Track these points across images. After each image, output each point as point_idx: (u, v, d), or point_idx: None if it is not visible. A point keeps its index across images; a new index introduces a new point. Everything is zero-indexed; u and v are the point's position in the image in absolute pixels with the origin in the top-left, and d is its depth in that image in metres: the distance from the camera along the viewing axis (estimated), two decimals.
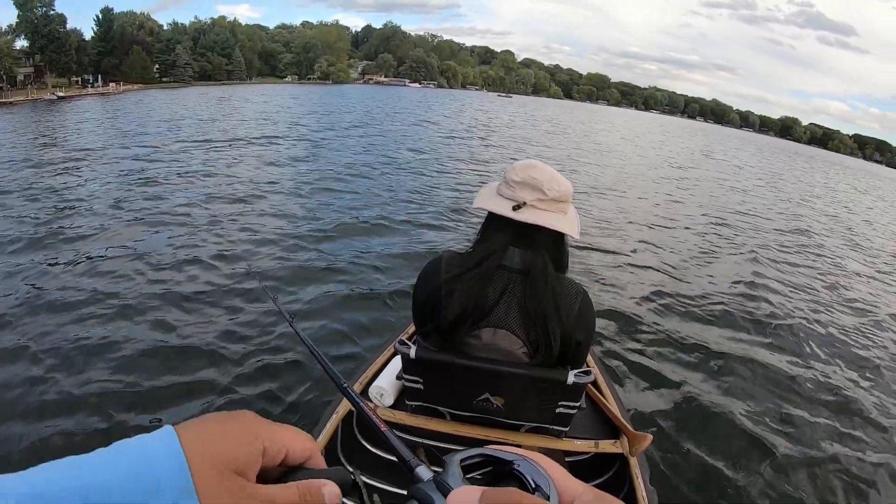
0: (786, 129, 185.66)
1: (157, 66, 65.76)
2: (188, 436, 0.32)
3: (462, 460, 0.36)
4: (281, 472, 0.39)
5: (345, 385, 0.53)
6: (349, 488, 0.39)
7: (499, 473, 0.36)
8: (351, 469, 0.40)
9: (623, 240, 7.66)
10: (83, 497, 0.27)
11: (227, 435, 0.34)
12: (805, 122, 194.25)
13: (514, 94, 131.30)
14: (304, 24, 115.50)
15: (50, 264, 4.90)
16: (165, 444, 0.31)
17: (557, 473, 0.35)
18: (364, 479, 0.39)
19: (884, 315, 6.05)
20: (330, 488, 0.38)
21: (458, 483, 0.34)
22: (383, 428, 0.42)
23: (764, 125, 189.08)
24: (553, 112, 60.33)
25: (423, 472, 0.37)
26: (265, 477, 0.37)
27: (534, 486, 0.34)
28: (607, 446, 1.63)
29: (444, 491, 0.34)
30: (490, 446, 0.38)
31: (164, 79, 65.72)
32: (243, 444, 0.35)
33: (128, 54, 59.66)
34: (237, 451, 0.34)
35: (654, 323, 4.73)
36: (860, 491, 2.90)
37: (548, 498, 0.33)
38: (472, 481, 0.35)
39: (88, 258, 5.07)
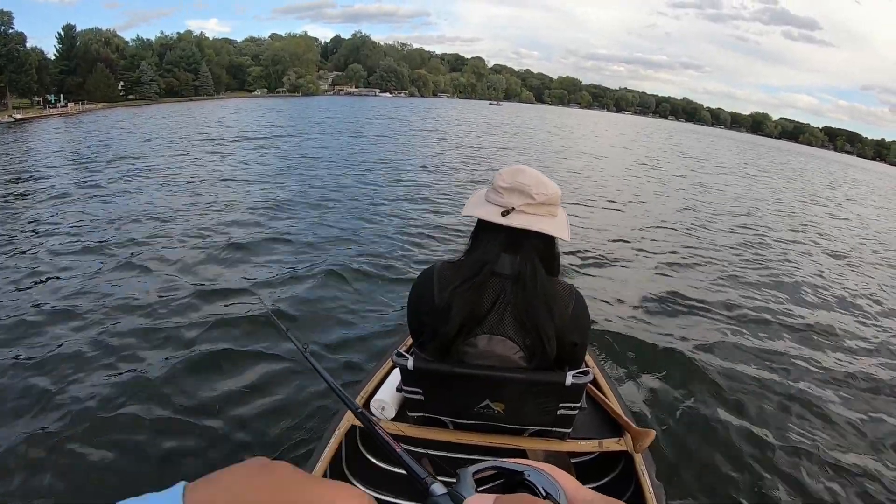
0: (757, 124, 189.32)
1: (121, 83, 65.21)
2: (197, 501, 0.27)
3: (474, 473, 0.37)
4: None
5: (360, 411, 0.50)
6: None
7: (510, 484, 0.36)
8: None
9: (616, 239, 7.78)
10: None
11: (246, 497, 0.28)
12: (775, 117, 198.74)
13: (504, 102, 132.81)
14: (273, 36, 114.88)
15: (25, 289, 4.79)
16: None
17: (567, 482, 0.35)
18: (376, 494, 0.43)
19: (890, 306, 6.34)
20: None
21: (472, 493, 0.35)
22: (398, 449, 0.42)
23: (735, 121, 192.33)
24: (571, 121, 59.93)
25: (438, 487, 0.37)
26: None
27: (544, 494, 0.34)
28: (611, 445, 1.66)
29: (458, 501, 0.35)
30: (502, 459, 0.38)
31: (130, 96, 65.31)
32: None
33: (91, 72, 59.16)
34: None
35: (652, 319, 4.78)
36: (864, 482, 2.89)
37: None
38: (485, 492, 0.35)
39: (75, 288, 4.86)
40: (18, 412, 3.00)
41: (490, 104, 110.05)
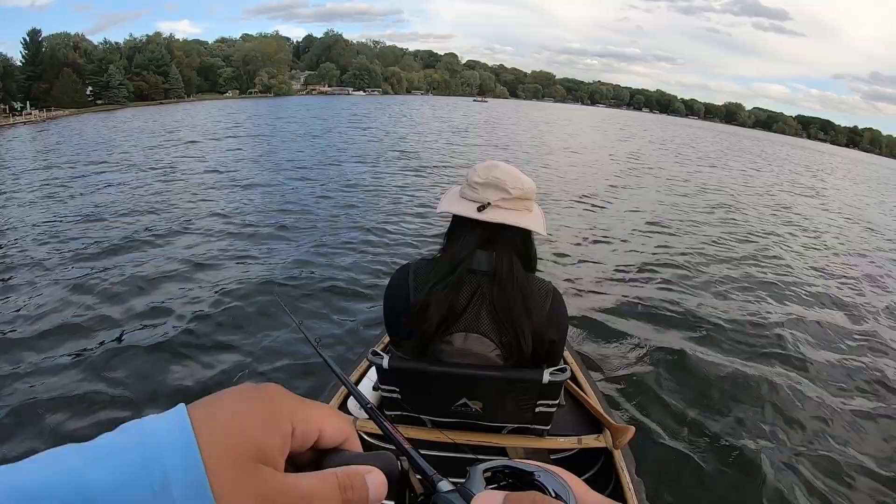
0: (731, 114, 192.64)
1: (90, 88, 64.89)
2: (201, 418, 0.28)
3: (484, 471, 0.38)
4: (313, 457, 0.35)
5: (370, 406, 0.52)
6: (396, 478, 0.36)
7: (519, 485, 0.37)
8: (397, 454, 0.37)
9: (593, 234, 7.77)
10: (78, 491, 0.24)
11: (248, 415, 0.30)
12: (748, 107, 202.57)
13: (490, 99, 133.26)
14: (244, 36, 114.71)
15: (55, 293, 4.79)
16: (175, 428, 0.28)
17: (577, 485, 0.36)
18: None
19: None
20: (375, 477, 0.34)
21: (481, 490, 0.35)
22: (406, 445, 0.42)
23: (709, 112, 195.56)
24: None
25: (445, 485, 0.38)
26: (295, 462, 0.33)
27: (554, 495, 0.35)
28: (591, 441, 1.65)
29: (468, 497, 0.35)
30: (513, 459, 0.39)
31: (99, 101, 64.94)
32: (268, 427, 0.30)
33: (58, 78, 58.72)
34: (260, 435, 0.30)
35: (631, 315, 4.75)
36: (844, 478, 2.89)
37: None
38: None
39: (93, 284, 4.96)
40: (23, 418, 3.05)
41: (474, 101, 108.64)
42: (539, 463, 0.38)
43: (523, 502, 0.31)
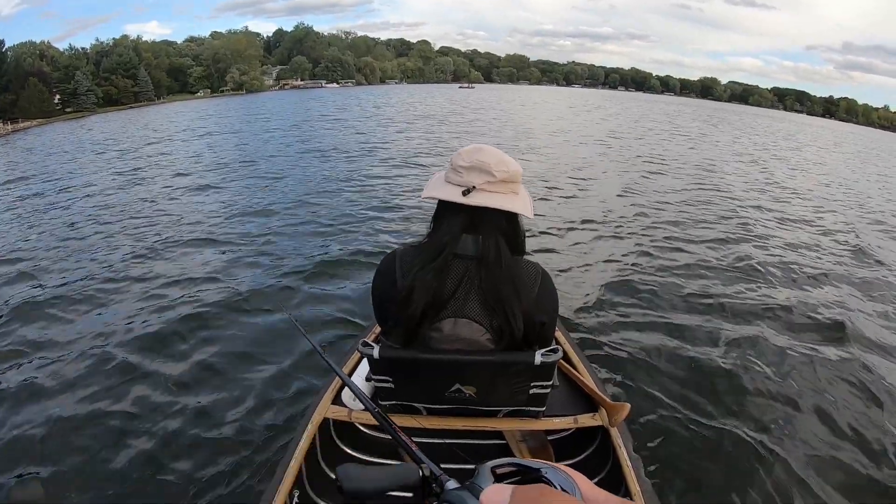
0: (706, 89, 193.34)
1: (57, 96, 64.12)
2: None
3: (492, 468, 0.39)
4: None
5: (376, 410, 0.52)
6: (419, 485, 0.41)
7: (527, 481, 0.38)
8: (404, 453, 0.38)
9: (581, 214, 7.71)
10: None
11: None
12: (723, 81, 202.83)
13: (476, 83, 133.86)
14: (213, 34, 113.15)
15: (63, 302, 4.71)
16: None
17: (583, 482, 0.37)
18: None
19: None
20: None
21: (490, 485, 0.37)
22: (414, 447, 0.43)
23: (685, 88, 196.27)
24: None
25: (452, 484, 0.40)
26: None
27: (560, 489, 0.36)
28: (587, 420, 1.66)
29: (476, 493, 0.37)
30: (519, 458, 0.41)
31: (68, 109, 64.08)
32: None
33: (24, 88, 58.03)
34: None
35: (623, 292, 4.73)
36: (839, 466, 2.73)
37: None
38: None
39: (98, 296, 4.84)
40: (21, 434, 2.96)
41: (460, 87, 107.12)
42: (545, 461, 0.39)
43: (531, 494, 0.33)
